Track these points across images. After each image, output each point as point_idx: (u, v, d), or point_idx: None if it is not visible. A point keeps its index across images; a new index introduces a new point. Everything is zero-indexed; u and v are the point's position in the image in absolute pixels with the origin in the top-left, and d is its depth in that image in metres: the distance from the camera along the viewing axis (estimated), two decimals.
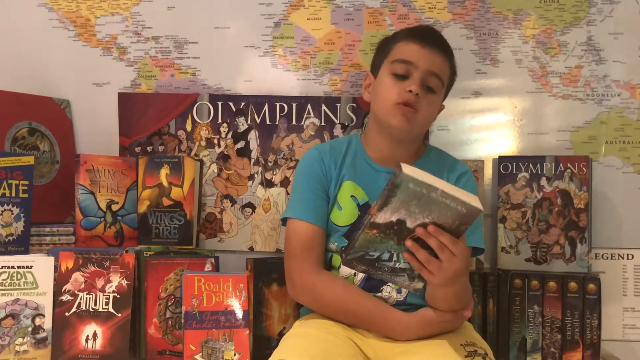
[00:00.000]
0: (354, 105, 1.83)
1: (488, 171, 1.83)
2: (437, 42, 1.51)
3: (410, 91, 1.44)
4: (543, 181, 1.75)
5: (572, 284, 1.64)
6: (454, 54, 1.55)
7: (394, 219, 1.16)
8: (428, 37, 1.51)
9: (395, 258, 1.23)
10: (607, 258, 1.80)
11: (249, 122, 1.86)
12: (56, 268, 1.57)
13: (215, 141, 1.86)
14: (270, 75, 1.88)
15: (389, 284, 1.44)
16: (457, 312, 1.37)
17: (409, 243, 1.19)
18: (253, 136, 1.86)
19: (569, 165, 1.74)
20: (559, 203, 1.73)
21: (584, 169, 1.72)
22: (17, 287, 1.55)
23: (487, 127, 1.86)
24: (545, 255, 1.73)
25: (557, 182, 1.74)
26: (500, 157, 1.80)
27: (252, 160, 1.86)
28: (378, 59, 1.56)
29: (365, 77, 1.61)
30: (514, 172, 1.77)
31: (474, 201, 1.14)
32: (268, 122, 1.85)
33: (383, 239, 1.19)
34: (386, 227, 1.17)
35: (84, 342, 1.55)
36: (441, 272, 1.21)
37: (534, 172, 1.75)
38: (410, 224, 1.17)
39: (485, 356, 1.32)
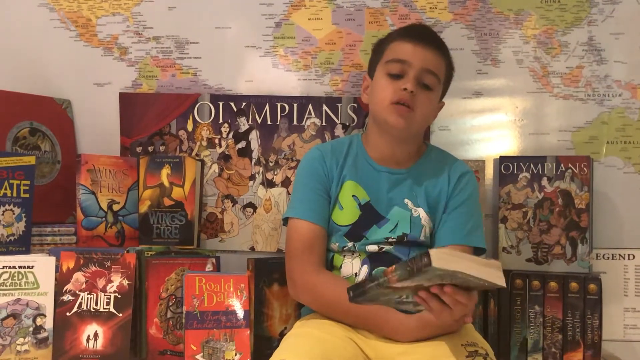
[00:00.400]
0: (355, 105, 1.83)
1: (489, 171, 1.83)
2: (430, 39, 1.52)
3: (405, 89, 1.44)
4: (544, 181, 1.75)
5: (573, 284, 1.64)
6: (448, 50, 1.55)
7: (412, 284, 1.14)
8: (421, 35, 1.51)
9: (404, 296, 1.23)
10: (608, 258, 1.80)
11: (250, 122, 1.86)
12: (57, 268, 1.57)
13: (217, 141, 1.86)
14: (271, 75, 1.88)
15: None
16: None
17: (422, 294, 1.18)
18: (254, 136, 1.86)
19: (570, 165, 1.74)
20: (560, 203, 1.73)
21: (585, 169, 1.72)
22: (18, 287, 1.55)
23: (488, 127, 1.85)
24: (546, 256, 1.73)
25: (558, 182, 1.74)
26: (501, 157, 1.80)
27: (253, 161, 1.86)
28: (373, 60, 1.57)
29: (363, 80, 1.62)
30: (515, 172, 1.77)
31: (498, 278, 1.11)
32: (269, 122, 1.85)
33: (397, 292, 1.18)
34: (402, 288, 1.15)
35: (85, 342, 1.55)
36: (450, 318, 1.22)
37: (535, 172, 1.75)
38: (427, 284, 1.15)
39: (486, 356, 1.32)
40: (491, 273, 1.11)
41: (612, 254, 1.80)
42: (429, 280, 1.13)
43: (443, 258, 1.05)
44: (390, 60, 1.49)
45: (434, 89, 1.50)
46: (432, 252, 1.05)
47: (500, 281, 1.11)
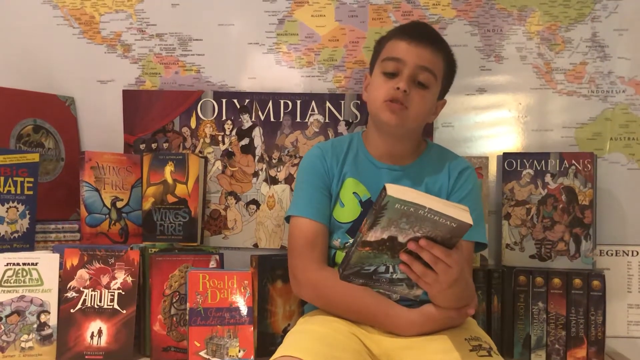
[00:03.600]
0: (358, 102, 1.83)
1: (492, 168, 1.83)
2: (427, 36, 1.50)
3: (398, 88, 1.44)
4: (547, 178, 1.75)
5: (577, 281, 1.63)
6: (448, 47, 1.53)
7: (385, 236, 1.14)
8: (417, 33, 1.50)
9: (391, 270, 1.22)
10: (612, 255, 1.80)
11: (253, 119, 1.86)
12: (61, 265, 1.58)
13: (220, 138, 1.86)
14: (274, 72, 1.88)
15: None
16: (461, 309, 1.38)
17: (404, 257, 1.18)
18: (257, 133, 1.86)
19: (573, 161, 1.73)
20: (564, 200, 1.73)
21: (588, 165, 1.72)
22: (22, 284, 1.55)
23: (492, 123, 1.85)
24: (549, 252, 1.73)
25: (562, 179, 1.74)
26: (504, 153, 1.79)
27: (257, 157, 1.86)
28: (373, 58, 1.58)
29: (364, 78, 1.61)
30: (519, 168, 1.77)
31: (464, 216, 1.12)
32: (272, 119, 1.86)
33: (377, 255, 1.18)
34: (378, 244, 1.15)
35: (89, 339, 1.55)
36: (438, 284, 1.21)
37: (539, 168, 1.75)
38: (402, 239, 1.15)
39: (490, 350, 1.32)
40: (457, 212, 1.11)
41: (616, 251, 1.80)
42: (397, 227, 1.12)
43: (400, 190, 1.09)
44: (386, 59, 1.49)
45: (430, 86, 1.49)
46: (389, 185, 1.09)
47: (467, 218, 1.11)
